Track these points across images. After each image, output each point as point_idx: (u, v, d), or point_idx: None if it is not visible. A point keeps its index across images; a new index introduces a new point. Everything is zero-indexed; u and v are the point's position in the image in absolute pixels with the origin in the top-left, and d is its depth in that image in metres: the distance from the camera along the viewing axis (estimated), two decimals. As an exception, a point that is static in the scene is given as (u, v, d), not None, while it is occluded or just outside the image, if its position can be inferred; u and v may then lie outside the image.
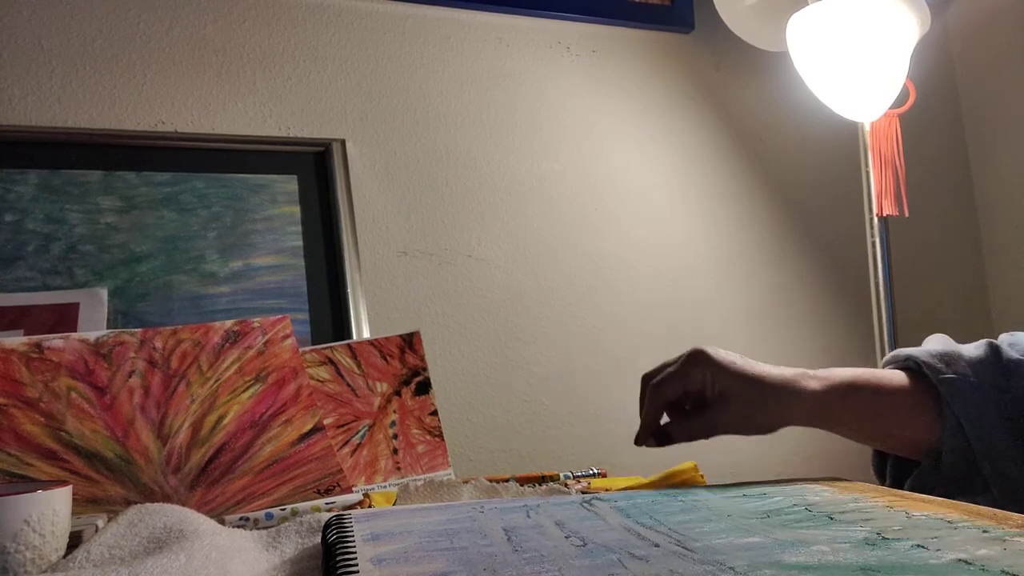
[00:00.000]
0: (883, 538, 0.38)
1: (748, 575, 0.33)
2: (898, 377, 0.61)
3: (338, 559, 0.39)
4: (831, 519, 0.43)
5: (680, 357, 0.63)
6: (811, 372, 0.62)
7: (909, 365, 0.63)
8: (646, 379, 0.65)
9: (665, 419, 0.64)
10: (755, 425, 0.60)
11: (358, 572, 0.36)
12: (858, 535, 0.39)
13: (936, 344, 0.65)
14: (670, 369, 0.62)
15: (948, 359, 0.61)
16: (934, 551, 0.35)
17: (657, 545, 0.38)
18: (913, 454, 0.61)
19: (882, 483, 0.65)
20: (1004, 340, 0.64)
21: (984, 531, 0.38)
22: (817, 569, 0.33)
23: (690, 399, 0.64)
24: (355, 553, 0.39)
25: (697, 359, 0.61)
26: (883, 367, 0.65)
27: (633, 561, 0.36)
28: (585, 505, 0.49)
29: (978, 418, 0.57)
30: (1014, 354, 0.61)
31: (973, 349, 0.62)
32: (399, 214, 1.12)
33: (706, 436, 0.62)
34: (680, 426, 0.63)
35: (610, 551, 0.37)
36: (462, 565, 0.36)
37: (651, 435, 0.63)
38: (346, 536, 0.42)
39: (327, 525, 0.46)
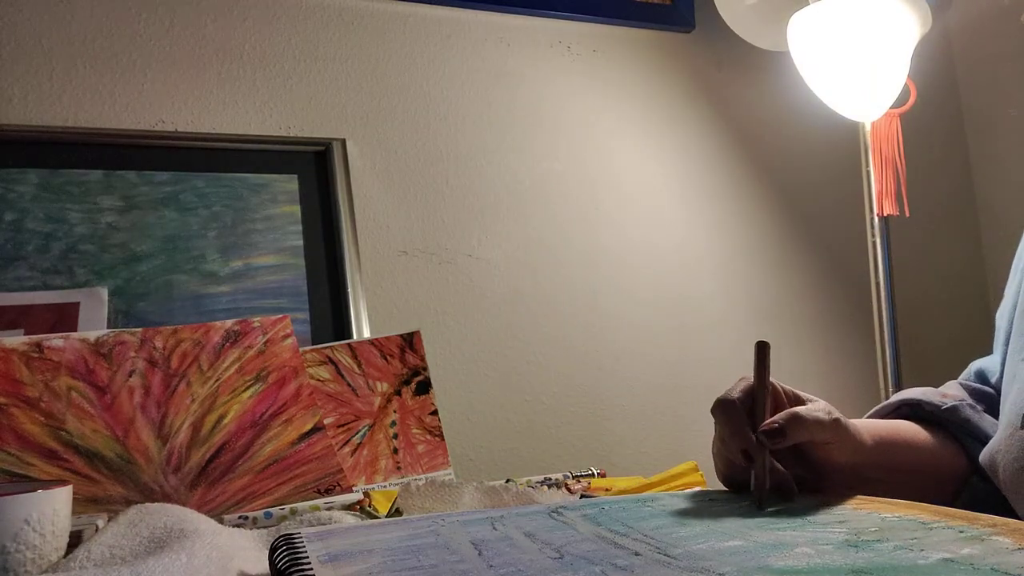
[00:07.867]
0: (863, 540, 0.38)
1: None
2: (910, 425, 0.60)
3: None
4: (805, 519, 0.43)
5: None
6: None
7: (904, 412, 0.62)
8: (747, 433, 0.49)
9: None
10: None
11: None
12: (837, 536, 0.39)
13: (911, 393, 0.64)
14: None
15: (939, 394, 0.62)
16: (919, 551, 0.35)
17: (638, 554, 0.37)
18: (940, 494, 0.56)
19: None
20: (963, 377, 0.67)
21: (960, 531, 0.38)
22: (807, 573, 0.33)
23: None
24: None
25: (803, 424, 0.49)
26: (870, 416, 0.64)
27: (617, 572, 0.34)
28: (553, 515, 0.47)
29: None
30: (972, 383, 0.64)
31: (946, 387, 0.65)
32: (399, 214, 1.12)
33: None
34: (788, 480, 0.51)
35: (591, 563, 0.36)
36: None
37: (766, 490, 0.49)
38: (300, 559, 0.38)
39: (273, 548, 0.41)
